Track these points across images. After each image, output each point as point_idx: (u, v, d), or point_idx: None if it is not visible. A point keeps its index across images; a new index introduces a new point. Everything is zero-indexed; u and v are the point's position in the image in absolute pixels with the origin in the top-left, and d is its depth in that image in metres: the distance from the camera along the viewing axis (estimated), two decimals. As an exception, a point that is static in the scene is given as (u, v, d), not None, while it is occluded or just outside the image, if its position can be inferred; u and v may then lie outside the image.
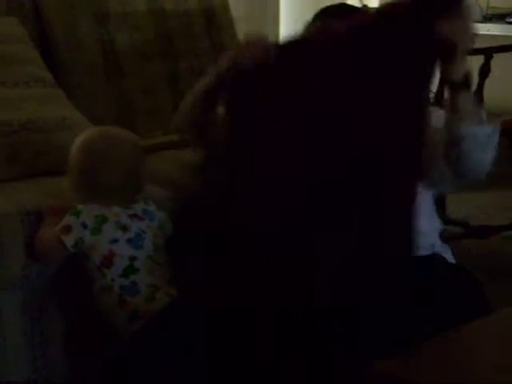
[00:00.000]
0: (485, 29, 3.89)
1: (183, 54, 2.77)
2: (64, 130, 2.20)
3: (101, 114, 2.57)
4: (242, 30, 3.06)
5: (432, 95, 2.41)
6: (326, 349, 1.74)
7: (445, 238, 2.08)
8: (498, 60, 3.23)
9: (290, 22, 4.55)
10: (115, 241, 1.84)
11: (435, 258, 1.99)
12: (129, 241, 1.85)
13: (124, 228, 1.85)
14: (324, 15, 2.40)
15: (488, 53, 3.18)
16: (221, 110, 2.06)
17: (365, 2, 4.52)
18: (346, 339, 1.74)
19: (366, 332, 1.74)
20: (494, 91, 3.23)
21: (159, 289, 1.82)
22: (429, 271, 1.91)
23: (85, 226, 1.83)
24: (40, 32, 2.63)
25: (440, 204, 2.86)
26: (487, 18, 3.97)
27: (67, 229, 1.83)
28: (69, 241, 1.83)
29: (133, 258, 1.84)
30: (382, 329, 1.74)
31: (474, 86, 1.93)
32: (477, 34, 1.92)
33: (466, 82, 1.83)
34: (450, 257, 2.03)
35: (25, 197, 1.97)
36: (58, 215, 1.88)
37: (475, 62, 3.01)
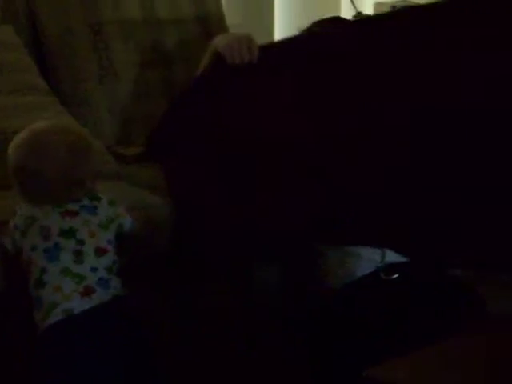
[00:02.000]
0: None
1: (178, 62, 2.77)
2: (58, 138, 2.20)
3: (95, 122, 2.57)
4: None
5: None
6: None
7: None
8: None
9: (284, 31, 4.56)
10: (34, 248, 1.79)
11: None
12: (45, 250, 1.78)
13: (45, 236, 1.78)
14: (318, 27, 2.44)
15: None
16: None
17: (359, 10, 4.52)
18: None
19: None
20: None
21: (57, 304, 1.75)
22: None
23: (16, 227, 1.82)
24: (35, 40, 2.63)
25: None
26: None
27: (3, 230, 1.83)
28: (7, 243, 1.82)
29: (43, 271, 1.77)
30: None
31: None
32: None
33: None
34: None
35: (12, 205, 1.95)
36: None
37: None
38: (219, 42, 2.29)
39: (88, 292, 1.76)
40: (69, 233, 1.79)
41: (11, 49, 2.48)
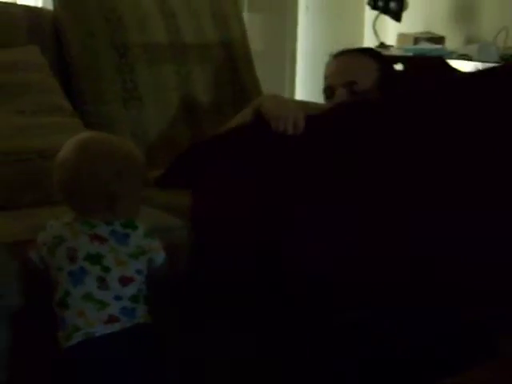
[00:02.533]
0: (501, 69, 3.90)
1: (201, 86, 2.78)
2: (81, 159, 2.21)
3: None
4: (261, 64, 3.08)
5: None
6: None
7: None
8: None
9: (307, 58, 4.58)
10: (60, 269, 1.78)
11: None
12: (70, 273, 1.77)
13: (71, 258, 1.77)
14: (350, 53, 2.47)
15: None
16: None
17: (382, 40, 4.54)
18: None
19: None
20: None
21: (80, 329, 1.75)
22: None
23: (44, 243, 1.81)
24: (60, 61, 2.65)
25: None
26: (504, 59, 3.98)
27: (33, 244, 1.83)
28: (34, 258, 1.83)
29: (67, 293, 1.77)
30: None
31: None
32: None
33: None
34: None
35: (42, 224, 1.96)
36: None
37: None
38: (267, 104, 2.27)
39: (112, 320, 1.76)
40: (95, 258, 1.77)
41: (37, 69, 2.50)
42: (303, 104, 2.67)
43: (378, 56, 2.52)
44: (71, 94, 2.57)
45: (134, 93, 2.65)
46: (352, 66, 2.44)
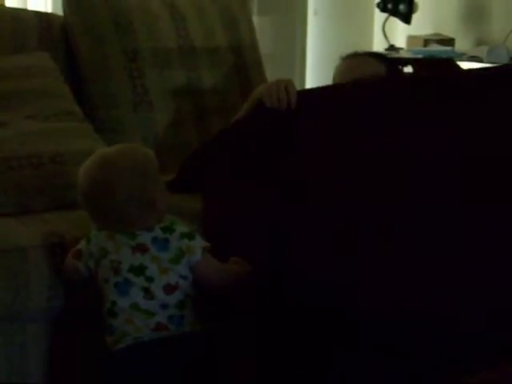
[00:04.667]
0: (512, 71, 3.89)
1: (211, 91, 2.78)
2: (92, 164, 2.22)
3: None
4: (270, 67, 3.09)
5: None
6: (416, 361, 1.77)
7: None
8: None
9: (317, 61, 4.58)
10: (106, 281, 1.82)
11: None
12: (116, 285, 1.80)
13: (116, 271, 1.80)
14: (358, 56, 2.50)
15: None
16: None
17: (392, 42, 4.54)
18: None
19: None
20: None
21: (129, 334, 1.78)
22: None
23: (91, 254, 1.84)
24: (70, 66, 2.66)
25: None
26: (514, 60, 3.97)
27: (78, 254, 1.86)
28: (81, 266, 1.85)
29: (114, 304, 1.80)
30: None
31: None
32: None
33: None
34: None
35: (52, 229, 1.98)
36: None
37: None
38: (260, 88, 2.34)
39: (160, 328, 1.79)
40: (139, 270, 1.79)
41: (47, 74, 2.51)
42: None
43: (386, 60, 2.58)
44: (82, 99, 2.57)
45: (144, 97, 2.65)
46: (360, 67, 2.49)
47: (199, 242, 1.84)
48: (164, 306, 1.79)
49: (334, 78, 2.54)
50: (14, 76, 2.43)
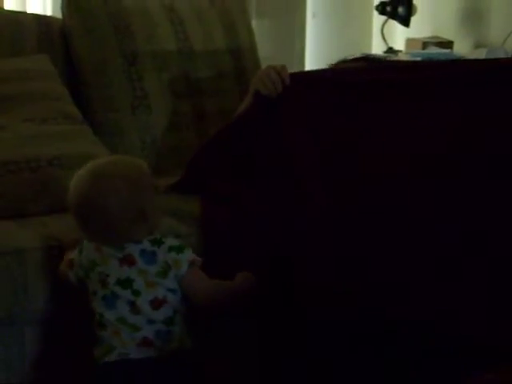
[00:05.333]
0: (510, 73, 3.89)
1: (210, 94, 2.79)
2: (91, 167, 2.22)
3: (127, 151, 2.59)
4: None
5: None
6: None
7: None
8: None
9: (316, 64, 4.58)
10: (94, 293, 1.81)
11: None
12: (103, 297, 1.79)
13: (103, 283, 1.79)
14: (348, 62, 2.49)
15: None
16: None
17: (390, 45, 4.54)
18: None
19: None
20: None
21: (115, 348, 1.77)
22: None
23: (81, 265, 1.84)
24: (69, 69, 2.67)
25: None
26: (513, 63, 3.97)
27: (71, 263, 1.86)
28: (72, 276, 1.86)
29: (102, 316, 1.79)
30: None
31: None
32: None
33: None
34: None
35: (50, 232, 1.98)
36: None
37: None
38: (254, 78, 2.33)
39: (146, 343, 1.77)
40: (126, 283, 1.78)
41: (46, 77, 2.51)
42: None
43: (375, 63, 2.54)
44: (80, 102, 2.58)
45: (142, 100, 2.66)
46: None
47: (187, 256, 1.81)
48: (151, 321, 1.77)
49: None
50: (12, 79, 2.43)
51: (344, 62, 2.55)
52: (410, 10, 4.45)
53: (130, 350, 1.76)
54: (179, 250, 1.81)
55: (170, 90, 2.71)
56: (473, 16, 4.50)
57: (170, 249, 1.80)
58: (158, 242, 1.80)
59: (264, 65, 3.04)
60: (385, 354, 1.83)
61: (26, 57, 2.56)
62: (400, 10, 4.48)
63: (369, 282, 1.90)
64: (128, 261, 1.78)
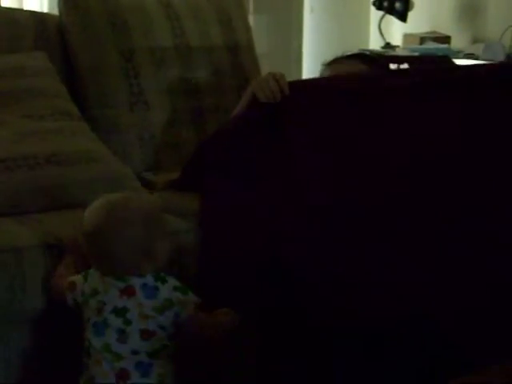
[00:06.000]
0: (508, 68, 3.90)
1: (207, 90, 2.78)
2: (88, 163, 2.22)
3: (124, 148, 2.59)
4: (266, 66, 3.09)
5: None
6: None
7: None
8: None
9: (313, 59, 4.58)
10: (88, 320, 1.82)
11: None
12: (94, 325, 1.80)
13: (99, 311, 1.79)
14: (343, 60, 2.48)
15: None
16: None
17: (388, 40, 4.54)
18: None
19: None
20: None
21: (94, 378, 1.78)
22: None
23: (83, 292, 1.84)
24: (66, 65, 2.66)
25: None
26: (510, 58, 3.97)
27: (72, 286, 1.86)
28: (70, 299, 1.86)
29: (89, 343, 1.80)
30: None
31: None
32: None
33: None
34: None
35: (49, 229, 1.98)
36: (76, 252, 1.91)
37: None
38: (253, 83, 2.34)
39: (123, 375, 1.77)
40: (120, 311, 1.78)
41: (43, 74, 2.51)
42: None
43: (370, 60, 2.52)
44: (78, 99, 2.57)
45: (140, 96, 2.65)
46: (345, 73, 2.44)
47: (192, 298, 1.83)
48: (135, 352, 1.77)
49: None
50: (9, 76, 2.43)
51: (340, 58, 2.53)
52: (407, 6, 4.46)
53: (109, 380, 1.76)
54: (184, 291, 1.83)
55: (167, 86, 2.70)
56: (470, 11, 4.50)
57: (176, 288, 1.82)
58: (161, 279, 1.82)
59: (261, 60, 3.05)
60: (384, 354, 1.83)
61: (23, 54, 2.55)
62: (397, 5, 4.49)
63: (367, 282, 1.90)
64: (128, 292, 1.80)
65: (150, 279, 1.81)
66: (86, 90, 2.63)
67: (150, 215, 1.84)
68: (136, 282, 1.80)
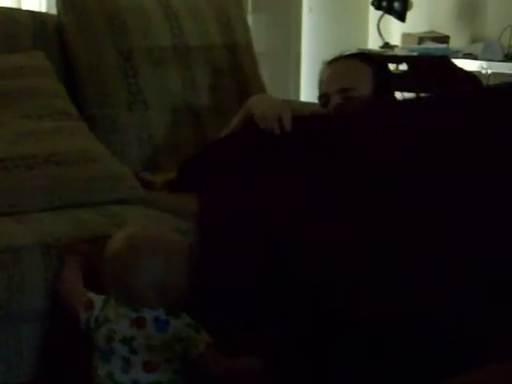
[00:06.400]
0: (506, 68, 3.91)
1: (206, 90, 2.78)
2: (87, 163, 2.22)
3: (123, 148, 2.59)
4: (265, 65, 3.09)
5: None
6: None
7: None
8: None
9: (311, 58, 4.58)
10: (97, 347, 1.80)
11: None
12: (102, 352, 1.79)
13: (108, 340, 1.78)
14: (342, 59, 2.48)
15: (510, 92, 3.18)
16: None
17: (386, 40, 4.54)
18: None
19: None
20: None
21: None
22: None
23: (97, 318, 1.82)
24: (65, 65, 2.66)
25: None
26: (509, 57, 3.98)
27: (89, 305, 1.84)
28: (83, 317, 1.84)
29: (95, 370, 1.80)
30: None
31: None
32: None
33: None
34: None
35: (47, 229, 1.97)
36: (78, 252, 1.91)
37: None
38: (255, 105, 2.33)
39: None
40: (128, 340, 1.77)
41: (42, 74, 2.50)
42: (289, 103, 2.65)
43: (370, 60, 2.51)
44: (76, 98, 2.57)
45: (138, 96, 2.65)
46: (346, 72, 2.43)
47: (204, 336, 1.79)
48: (135, 382, 1.76)
49: (319, 86, 2.49)
50: (8, 75, 2.43)
51: (339, 58, 2.53)
52: (405, 5, 4.47)
53: None
54: (197, 329, 1.79)
55: (165, 85, 2.70)
56: (469, 11, 4.51)
57: (189, 325, 1.79)
58: (174, 314, 1.79)
59: (260, 59, 3.05)
60: (384, 354, 1.83)
61: (22, 53, 2.55)
62: (396, 4, 4.50)
63: (367, 282, 1.90)
64: (139, 323, 1.78)
65: (162, 313, 1.79)
66: (84, 90, 2.63)
67: (170, 253, 1.81)
68: (148, 313, 1.78)
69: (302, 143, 2.21)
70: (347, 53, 2.60)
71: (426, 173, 2.08)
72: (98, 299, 1.84)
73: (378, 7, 4.53)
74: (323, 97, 2.43)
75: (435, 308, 1.86)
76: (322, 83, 2.47)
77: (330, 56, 2.58)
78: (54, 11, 2.80)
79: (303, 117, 2.34)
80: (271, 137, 2.22)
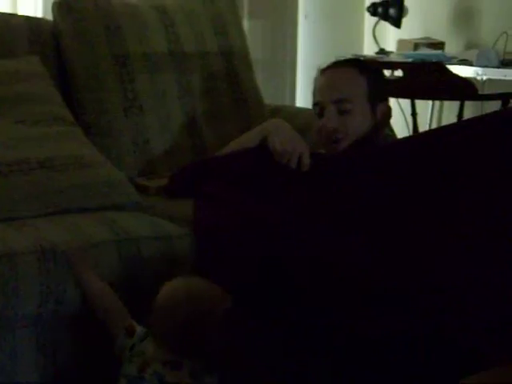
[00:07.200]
0: (501, 74, 3.91)
1: (202, 95, 2.79)
2: (82, 168, 2.22)
3: (119, 153, 2.59)
4: (261, 71, 3.09)
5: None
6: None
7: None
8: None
9: (307, 64, 4.59)
10: (125, 373, 1.81)
11: None
12: (129, 379, 1.79)
13: (141, 369, 1.79)
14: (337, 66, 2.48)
15: (505, 98, 3.19)
16: None
17: (382, 46, 4.55)
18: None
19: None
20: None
21: None
22: None
23: (132, 348, 1.83)
24: (60, 70, 2.66)
25: None
26: (504, 64, 3.99)
27: (131, 331, 1.85)
28: (119, 342, 1.85)
29: None
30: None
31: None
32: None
33: None
34: None
35: (42, 235, 1.97)
36: (86, 260, 1.92)
37: (493, 107, 3.02)
38: (272, 132, 2.33)
39: None
40: (160, 376, 1.77)
41: (37, 79, 2.50)
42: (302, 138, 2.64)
43: (364, 67, 2.49)
44: (72, 104, 2.57)
45: (134, 102, 2.65)
46: (340, 82, 2.41)
47: None
48: None
49: (313, 94, 2.47)
50: (3, 80, 2.42)
51: (335, 64, 2.52)
52: (401, 12, 4.48)
53: None
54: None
55: (161, 91, 2.70)
56: (464, 17, 4.52)
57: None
58: (211, 369, 1.82)
59: (256, 65, 3.05)
60: (387, 357, 1.83)
61: (17, 58, 2.55)
62: (391, 11, 4.51)
63: (367, 282, 1.90)
64: (171, 364, 1.80)
65: (200, 364, 1.81)
66: (80, 95, 2.62)
67: (213, 311, 1.82)
68: (186, 361, 1.80)
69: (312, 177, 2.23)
70: (342, 59, 2.59)
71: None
72: (140, 330, 1.85)
73: (373, 13, 4.54)
74: (317, 106, 2.42)
75: (439, 309, 1.86)
76: (316, 91, 2.47)
77: (325, 62, 2.57)
78: (49, 16, 2.80)
79: (320, 156, 2.34)
80: (286, 170, 2.24)
